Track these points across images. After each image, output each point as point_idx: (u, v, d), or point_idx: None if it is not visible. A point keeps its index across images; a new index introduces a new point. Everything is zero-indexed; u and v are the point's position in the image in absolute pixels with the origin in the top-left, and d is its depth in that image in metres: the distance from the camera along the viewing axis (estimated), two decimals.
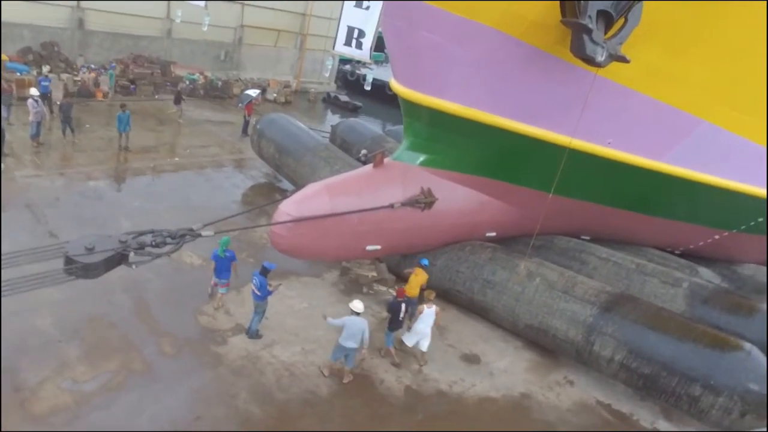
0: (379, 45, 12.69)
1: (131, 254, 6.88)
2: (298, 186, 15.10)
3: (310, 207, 10.92)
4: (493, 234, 13.40)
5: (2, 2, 21.89)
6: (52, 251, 6.40)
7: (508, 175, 12.55)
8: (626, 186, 13.36)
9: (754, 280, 15.38)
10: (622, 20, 9.19)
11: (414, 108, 11.60)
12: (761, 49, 10.86)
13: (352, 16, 12.41)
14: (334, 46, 13.27)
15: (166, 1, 28.54)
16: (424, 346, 10.76)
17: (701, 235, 15.46)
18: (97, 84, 24.88)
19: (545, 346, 11.78)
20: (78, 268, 6.33)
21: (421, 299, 11.11)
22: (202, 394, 9.15)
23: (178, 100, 24.12)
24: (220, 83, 30.26)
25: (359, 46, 12.51)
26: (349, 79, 39.78)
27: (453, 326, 12.35)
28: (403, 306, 10.67)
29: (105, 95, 24.86)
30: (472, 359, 11.42)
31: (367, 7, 12.01)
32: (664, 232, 15.23)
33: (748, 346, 9.76)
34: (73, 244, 6.52)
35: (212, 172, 19.20)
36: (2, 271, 5.72)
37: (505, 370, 11.23)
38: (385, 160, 12.14)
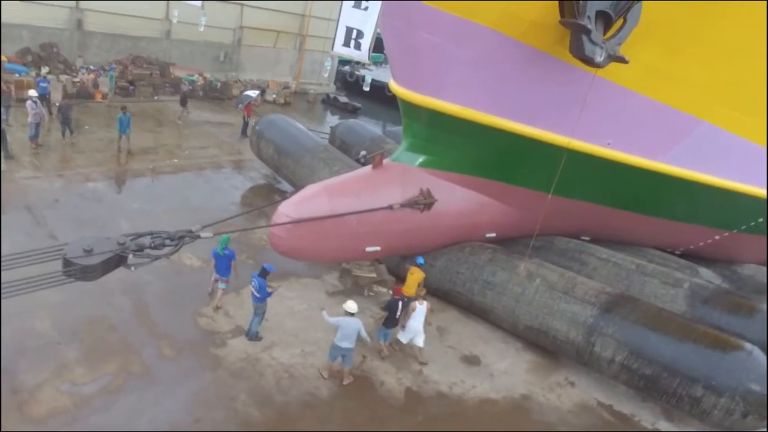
0: (378, 46, 12.64)
1: (130, 256, 6.85)
2: (298, 187, 15.07)
3: (309, 208, 10.90)
4: (493, 235, 13.38)
5: (1, 3, 21.85)
6: (51, 253, 6.37)
7: (508, 176, 12.53)
8: (626, 186, 13.34)
9: (755, 280, 15.37)
10: (621, 21, 9.18)
11: (413, 109, 11.58)
12: (761, 49, 10.85)
13: (350, 16, 12.36)
14: (332, 47, 13.20)
15: (165, 2, 28.49)
16: (420, 342, 10.80)
17: (701, 235, 15.44)
18: (96, 85, 24.83)
19: (546, 347, 11.75)
20: (76, 270, 6.30)
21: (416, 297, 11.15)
22: (202, 397, 9.12)
23: (184, 102, 24.04)
24: (219, 84, 30.23)
25: (358, 46, 12.46)
26: (348, 80, 39.81)
27: (453, 327, 12.33)
28: (400, 304, 10.71)
29: (104, 96, 24.82)
30: (472, 361, 11.39)
31: (366, 8, 11.96)
32: (664, 232, 15.21)
33: (749, 346, 9.75)
34: (72, 246, 6.49)
35: (211, 173, 19.18)
36: (2, 273, 5.70)
37: (506, 372, 11.20)
38: (384, 161, 12.13)
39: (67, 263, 6.33)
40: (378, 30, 11.74)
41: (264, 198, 17.91)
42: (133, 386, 8.99)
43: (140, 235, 7.13)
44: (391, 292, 12.76)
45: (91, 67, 26.35)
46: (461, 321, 12.61)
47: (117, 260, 6.73)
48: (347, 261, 13.31)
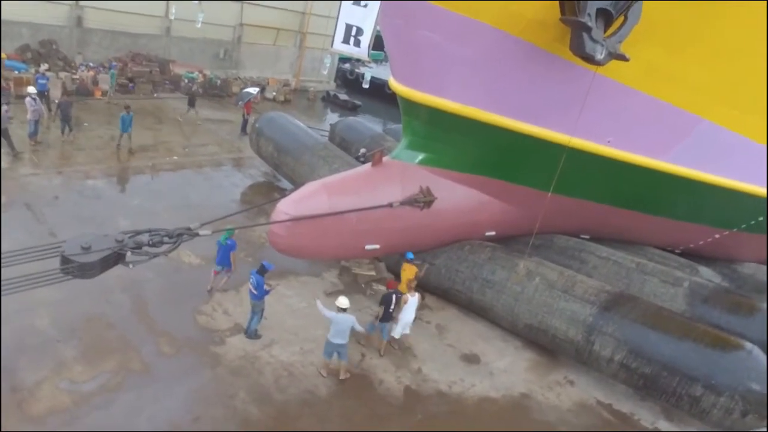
0: (378, 44, 12.63)
1: (128, 254, 6.84)
2: (297, 185, 15.03)
3: (308, 206, 10.88)
4: (493, 233, 13.36)
5: (1, 0, 21.81)
6: (49, 250, 6.36)
7: (508, 174, 12.50)
8: (626, 185, 13.32)
9: (755, 279, 15.37)
10: (621, 18, 9.15)
11: (413, 106, 11.55)
12: (761, 47, 10.82)
13: (350, 13, 12.36)
14: (332, 44, 13.19)
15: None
16: (408, 329, 10.97)
17: (701, 234, 15.42)
18: (95, 82, 24.79)
19: (545, 345, 11.75)
20: (74, 268, 6.30)
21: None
22: (201, 395, 9.11)
23: (192, 102, 23.81)
24: (219, 82, 30.17)
25: (357, 43, 12.46)
26: (348, 77, 39.75)
27: (452, 326, 12.32)
28: (395, 297, 10.70)
29: (104, 94, 24.78)
30: (471, 359, 11.38)
31: (365, 5, 11.96)
32: (664, 231, 15.19)
33: (748, 345, 9.75)
34: (70, 244, 6.49)
35: (211, 170, 19.15)
36: (2, 270, 5.69)
37: (505, 370, 11.20)
38: (384, 158, 12.10)
39: (65, 260, 6.33)
40: (378, 27, 11.73)
41: (263, 196, 17.90)
42: (132, 384, 8.97)
43: (138, 233, 7.14)
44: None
45: (91, 64, 26.29)
46: (461, 319, 12.60)
47: (115, 257, 6.73)
48: (347, 259, 13.30)
